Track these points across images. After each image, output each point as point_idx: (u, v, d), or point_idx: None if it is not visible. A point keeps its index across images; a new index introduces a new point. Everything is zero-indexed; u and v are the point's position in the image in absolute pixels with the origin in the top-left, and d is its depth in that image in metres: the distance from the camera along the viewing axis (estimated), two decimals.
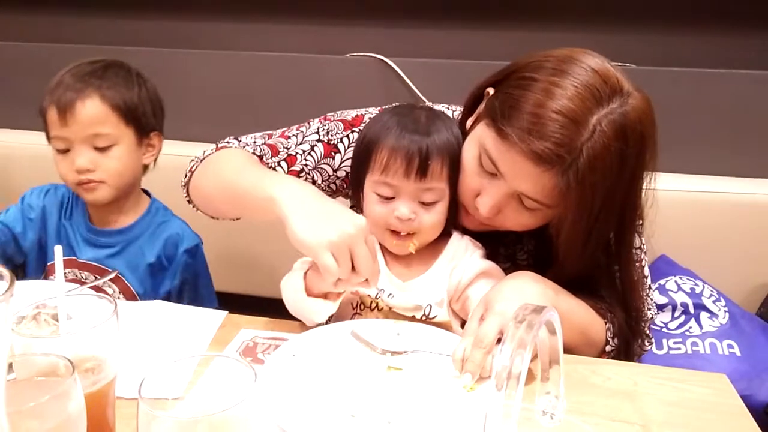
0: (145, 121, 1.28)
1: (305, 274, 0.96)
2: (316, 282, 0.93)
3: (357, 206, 1.07)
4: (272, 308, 1.04)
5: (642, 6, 1.66)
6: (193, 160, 1.13)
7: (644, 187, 0.95)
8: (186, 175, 1.13)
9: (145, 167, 1.33)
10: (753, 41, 1.62)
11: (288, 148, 1.09)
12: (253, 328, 0.98)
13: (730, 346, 1.38)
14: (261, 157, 1.08)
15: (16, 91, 1.97)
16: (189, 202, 1.15)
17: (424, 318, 1.01)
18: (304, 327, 0.99)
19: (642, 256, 1.06)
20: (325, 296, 0.94)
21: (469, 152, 0.98)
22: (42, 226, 1.35)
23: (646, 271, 1.08)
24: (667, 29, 1.65)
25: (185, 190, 1.14)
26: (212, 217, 1.14)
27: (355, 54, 1.79)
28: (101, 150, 1.23)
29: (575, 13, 1.69)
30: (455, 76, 1.70)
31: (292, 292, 0.96)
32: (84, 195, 1.27)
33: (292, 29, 1.85)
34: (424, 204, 0.99)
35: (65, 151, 1.23)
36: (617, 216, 0.95)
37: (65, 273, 1.29)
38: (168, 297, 1.32)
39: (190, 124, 1.74)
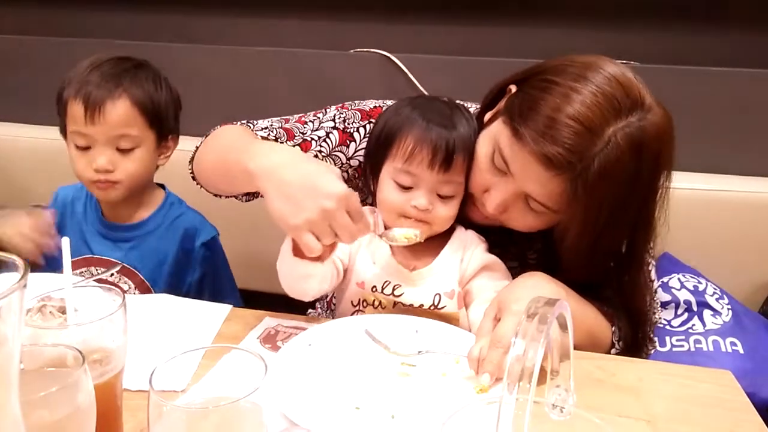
0: (167, 124, 1.28)
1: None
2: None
3: (369, 193, 1.07)
4: (293, 304, 1.03)
5: (647, 3, 1.65)
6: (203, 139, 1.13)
7: (658, 206, 0.94)
8: (191, 157, 1.14)
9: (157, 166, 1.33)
10: (759, 39, 1.62)
11: (303, 134, 1.09)
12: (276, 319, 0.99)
13: (733, 343, 1.38)
14: (276, 140, 1.07)
15: (14, 85, 1.97)
16: (193, 178, 1.15)
17: (432, 308, 1.01)
18: (322, 321, 0.99)
19: (649, 260, 1.05)
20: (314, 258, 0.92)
21: (483, 148, 0.98)
22: (62, 227, 1.34)
23: (653, 275, 1.08)
24: (673, 27, 1.65)
25: (190, 166, 1.15)
26: (215, 195, 1.13)
27: (359, 50, 1.79)
28: (123, 151, 1.22)
29: (580, 11, 1.68)
30: (459, 72, 1.70)
31: (282, 262, 0.93)
32: (97, 193, 1.27)
33: (296, 25, 1.85)
34: (441, 197, 0.99)
35: (85, 149, 1.21)
36: (628, 231, 0.94)
37: (82, 271, 1.29)
38: (188, 291, 1.31)
39: (192, 119, 1.73)
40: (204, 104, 1.85)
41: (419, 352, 0.89)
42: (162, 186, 1.37)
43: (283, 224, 0.85)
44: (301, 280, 0.93)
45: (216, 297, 1.34)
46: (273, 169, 0.87)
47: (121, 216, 1.31)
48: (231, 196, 1.12)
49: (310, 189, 0.83)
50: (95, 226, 1.32)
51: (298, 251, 0.90)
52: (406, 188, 0.98)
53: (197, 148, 1.12)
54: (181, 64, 1.84)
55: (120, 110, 1.19)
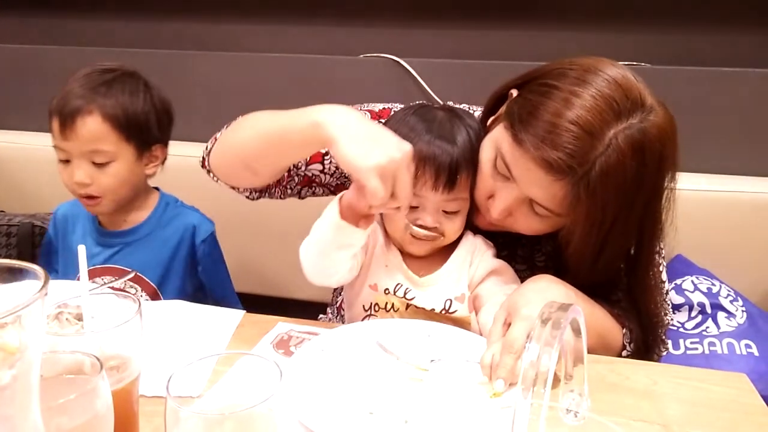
0: (148, 135, 1.26)
1: (340, 199, 0.92)
2: (351, 203, 0.90)
3: None
4: (291, 309, 1.04)
5: (657, 5, 1.65)
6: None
7: (664, 206, 0.93)
8: (207, 147, 1.11)
9: (150, 174, 1.32)
10: None
11: None
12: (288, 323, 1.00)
13: (747, 346, 1.37)
14: None
15: (23, 94, 1.99)
16: (208, 172, 1.12)
17: (443, 312, 1.01)
18: (335, 326, 0.99)
19: (660, 261, 1.05)
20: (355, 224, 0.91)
21: (486, 154, 0.98)
22: (65, 241, 1.36)
23: (664, 276, 1.07)
24: (683, 28, 1.65)
25: (206, 161, 1.11)
26: (232, 188, 1.11)
27: (368, 55, 1.79)
28: (99, 165, 1.21)
29: (589, 13, 1.68)
30: (469, 76, 1.70)
31: (318, 233, 0.93)
32: (86, 206, 1.28)
33: (305, 30, 1.86)
34: (446, 213, 0.99)
35: (66, 161, 1.22)
36: (634, 233, 0.94)
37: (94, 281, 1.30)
38: (192, 291, 1.33)
39: (202, 126, 1.74)
40: (214, 110, 1.86)
41: (432, 360, 0.89)
42: (157, 189, 1.38)
43: (353, 166, 0.83)
44: (338, 250, 0.93)
45: (216, 293, 1.36)
46: (343, 119, 0.87)
47: (116, 222, 1.32)
48: (249, 189, 1.10)
49: (380, 139, 0.85)
50: (94, 237, 1.32)
51: (345, 215, 0.90)
52: (412, 208, 0.99)
53: (216, 138, 1.10)
54: (189, 71, 1.87)
55: (90, 125, 1.18)
